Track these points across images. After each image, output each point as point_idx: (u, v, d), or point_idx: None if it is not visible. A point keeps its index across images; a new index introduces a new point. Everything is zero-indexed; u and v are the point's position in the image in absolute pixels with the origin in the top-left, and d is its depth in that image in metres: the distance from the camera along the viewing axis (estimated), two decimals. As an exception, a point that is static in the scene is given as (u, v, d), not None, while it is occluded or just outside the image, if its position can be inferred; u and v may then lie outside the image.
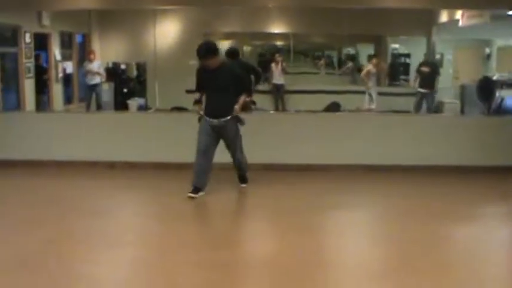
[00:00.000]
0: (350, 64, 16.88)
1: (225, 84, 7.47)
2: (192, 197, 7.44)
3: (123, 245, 5.90)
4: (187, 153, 9.34)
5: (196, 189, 7.53)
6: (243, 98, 7.62)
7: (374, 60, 14.53)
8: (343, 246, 6.12)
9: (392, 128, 9.65)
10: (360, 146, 9.39)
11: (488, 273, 5.31)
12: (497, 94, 13.35)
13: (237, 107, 7.55)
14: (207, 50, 7.41)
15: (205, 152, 7.60)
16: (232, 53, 10.43)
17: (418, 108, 13.46)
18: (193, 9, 13.28)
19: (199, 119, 7.71)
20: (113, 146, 9.60)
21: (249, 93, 7.96)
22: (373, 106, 13.96)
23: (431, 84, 13.41)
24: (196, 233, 6.48)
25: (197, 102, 7.81)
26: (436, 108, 14.07)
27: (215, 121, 7.54)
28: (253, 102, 9.60)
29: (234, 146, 7.74)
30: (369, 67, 14.45)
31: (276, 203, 7.58)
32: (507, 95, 13.18)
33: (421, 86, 13.52)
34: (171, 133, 9.51)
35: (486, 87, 13.83)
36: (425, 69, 13.51)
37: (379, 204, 7.69)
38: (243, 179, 8.19)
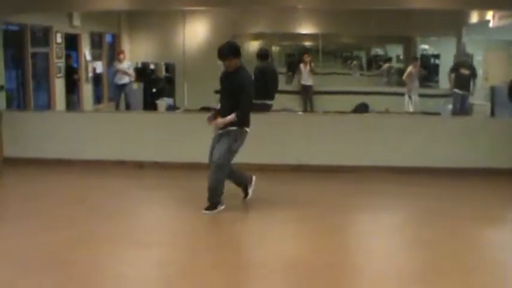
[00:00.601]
0: (386, 65, 16.75)
1: (232, 89, 7.12)
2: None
3: (150, 245, 5.94)
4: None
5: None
6: (232, 116, 7.00)
7: (415, 62, 14.39)
8: (370, 249, 6.09)
9: (420, 129, 9.61)
10: (388, 147, 9.35)
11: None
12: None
13: (220, 121, 7.10)
14: (229, 49, 7.13)
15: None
16: (261, 55, 10.44)
17: (456, 109, 13.31)
18: (221, 10, 13.31)
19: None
20: (141, 145, 9.67)
21: (242, 112, 7.03)
22: (411, 109, 13.88)
23: (468, 86, 13.25)
24: (224, 234, 6.50)
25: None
26: (466, 110, 13.94)
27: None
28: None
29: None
30: (410, 69, 14.32)
31: (304, 205, 7.56)
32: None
33: (459, 88, 13.33)
34: (199, 133, 9.50)
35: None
36: (464, 71, 13.32)
37: (407, 207, 7.66)
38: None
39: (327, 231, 6.54)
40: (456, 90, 13.27)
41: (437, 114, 13.25)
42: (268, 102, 10.41)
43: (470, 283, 5.02)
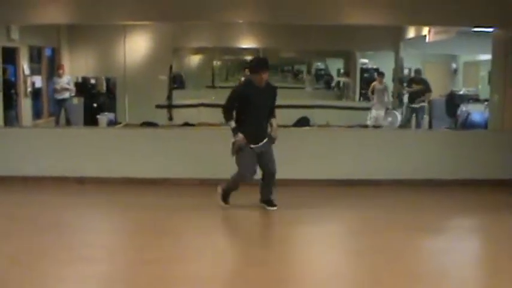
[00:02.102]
0: (345, 79, 16.91)
1: (269, 103, 7.51)
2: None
3: (89, 261, 5.85)
4: (157, 169, 9.41)
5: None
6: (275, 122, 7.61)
7: (379, 77, 14.65)
8: (312, 260, 6.15)
9: (361, 142, 9.76)
10: (329, 160, 9.46)
11: (453, 286, 5.39)
12: (463, 109, 13.57)
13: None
14: (267, 62, 7.43)
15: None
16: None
17: (408, 122, 13.72)
18: (162, 25, 13.30)
19: (240, 147, 7.42)
20: (82, 161, 9.56)
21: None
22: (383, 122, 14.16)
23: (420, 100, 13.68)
24: (164, 248, 6.47)
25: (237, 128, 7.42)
26: (403, 123, 14.25)
27: (260, 145, 7.50)
28: None
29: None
30: (374, 84, 14.60)
31: (243, 218, 7.60)
32: (473, 110, 13.40)
33: (411, 102, 13.75)
34: (141, 148, 9.52)
35: (453, 102, 14.06)
36: (416, 86, 13.75)
37: (348, 218, 7.77)
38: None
39: (265, 244, 6.58)
40: (411, 105, 13.66)
41: (379, 127, 13.52)
42: None
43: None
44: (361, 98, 16.27)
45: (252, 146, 7.39)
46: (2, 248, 6.20)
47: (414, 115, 13.82)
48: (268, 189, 7.75)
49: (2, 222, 7.30)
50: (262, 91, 7.36)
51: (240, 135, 7.29)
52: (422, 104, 13.62)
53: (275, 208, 7.71)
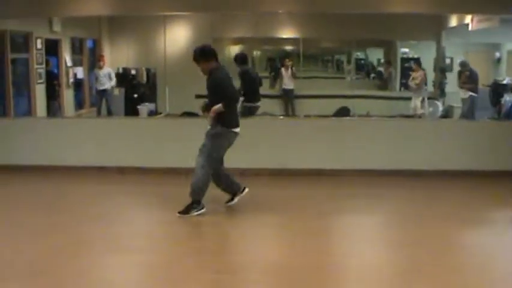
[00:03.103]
0: (391, 69, 16.73)
1: (210, 90, 7.26)
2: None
3: (133, 251, 5.93)
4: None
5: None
6: (219, 106, 7.06)
7: (415, 66, 14.48)
8: (352, 251, 6.13)
9: (402, 132, 9.67)
10: (369, 151, 9.40)
11: (497, 278, 5.31)
12: (507, 98, 13.31)
13: (213, 108, 7.09)
14: (200, 53, 7.15)
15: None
16: (238, 59, 10.52)
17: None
18: (202, 15, 13.32)
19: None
20: (123, 151, 9.65)
21: (227, 102, 7.11)
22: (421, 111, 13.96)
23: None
24: (206, 238, 6.50)
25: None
26: (446, 113, 14.05)
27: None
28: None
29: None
30: (416, 74, 14.45)
31: (285, 208, 7.59)
32: (517, 100, 13.15)
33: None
34: (181, 138, 9.55)
35: (496, 92, 13.80)
36: (462, 77, 13.36)
37: (389, 210, 7.70)
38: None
39: (310, 234, 6.57)
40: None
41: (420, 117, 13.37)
42: (254, 104, 10.58)
43: (450, 285, 5.06)
44: (402, 88, 16.10)
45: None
46: (47, 237, 6.30)
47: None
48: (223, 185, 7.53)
49: (46, 211, 7.43)
50: (207, 79, 7.29)
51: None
52: (470, 94, 13.13)
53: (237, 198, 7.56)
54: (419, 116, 13.61)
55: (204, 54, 7.14)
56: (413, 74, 14.33)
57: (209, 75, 7.19)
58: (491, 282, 5.21)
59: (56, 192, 8.54)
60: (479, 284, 5.14)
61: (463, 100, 13.11)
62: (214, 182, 7.26)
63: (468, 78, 13.06)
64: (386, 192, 8.58)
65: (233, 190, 7.47)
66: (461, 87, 13.16)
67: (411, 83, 14.34)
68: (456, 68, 14.54)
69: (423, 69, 14.44)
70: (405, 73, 16.14)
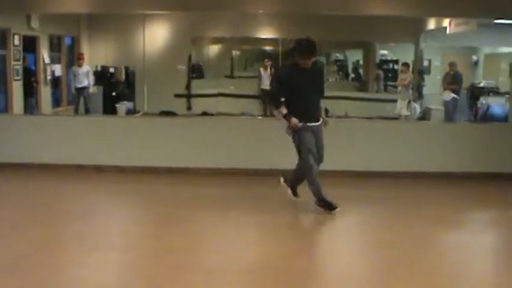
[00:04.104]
0: (379, 71, 16.80)
1: (318, 85, 7.28)
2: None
3: (110, 249, 5.90)
4: (175, 158, 9.44)
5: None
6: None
7: (405, 68, 14.59)
8: (330, 253, 6.16)
9: (380, 134, 9.71)
10: (348, 152, 9.42)
11: (473, 279, 5.36)
12: (483, 101, 13.46)
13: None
14: (315, 46, 7.11)
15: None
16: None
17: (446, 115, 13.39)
18: (182, 14, 13.31)
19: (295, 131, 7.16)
20: (100, 149, 9.61)
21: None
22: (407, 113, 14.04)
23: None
24: (181, 237, 6.49)
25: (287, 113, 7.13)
26: (423, 115, 14.16)
27: (314, 124, 7.25)
28: None
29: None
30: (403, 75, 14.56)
31: (262, 209, 7.59)
32: (493, 102, 13.29)
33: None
34: (159, 137, 9.54)
35: (473, 95, 13.95)
36: (448, 78, 13.40)
37: (366, 211, 7.72)
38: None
39: (288, 236, 6.58)
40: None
41: (395, 119, 13.45)
42: None
43: (425, 286, 5.10)
44: (379, 89, 16.25)
45: (309, 124, 7.18)
46: (24, 235, 6.25)
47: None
48: (299, 178, 7.52)
49: (23, 209, 7.36)
50: (308, 73, 7.12)
51: (294, 119, 7.06)
52: (453, 96, 13.16)
53: (296, 199, 7.63)
54: (406, 118, 13.70)
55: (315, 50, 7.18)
56: (402, 76, 14.43)
57: (312, 67, 7.19)
58: (465, 284, 5.25)
59: (32, 191, 8.48)
60: (454, 285, 5.18)
61: (445, 102, 13.17)
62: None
63: (453, 78, 13.15)
64: (364, 193, 8.60)
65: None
66: (446, 89, 13.22)
67: (399, 84, 14.43)
68: (434, 70, 14.69)
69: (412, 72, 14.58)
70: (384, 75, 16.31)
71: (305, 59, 7.03)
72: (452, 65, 13.40)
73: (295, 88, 7.07)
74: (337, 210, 7.10)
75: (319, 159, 7.29)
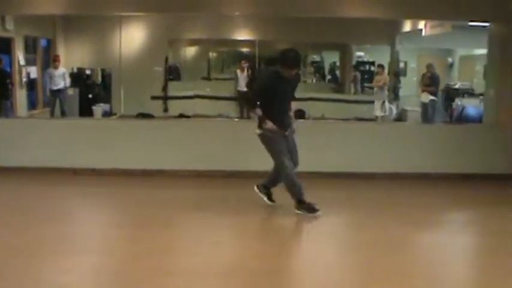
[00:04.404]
0: (356, 73, 16.82)
1: (292, 92, 7.47)
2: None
3: (85, 252, 5.86)
4: (152, 160, 9.41)
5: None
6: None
7: (379, 69, 14.68)
8: (308, 254, 6.17)
9: (356, 135, 9.77)
10: (324, 153, 9.46)
11: (450, 280, 5.41)
12: (458, 103, 13.57)
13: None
14: (300, 57, 7.44)
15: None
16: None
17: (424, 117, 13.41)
18: (158, 16, 13.26)
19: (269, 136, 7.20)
20: (76, 152, 9.55)
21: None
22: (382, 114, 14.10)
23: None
24: (161, 240, 6.47)
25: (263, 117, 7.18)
26: (399, 116, 14.26)
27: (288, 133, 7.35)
28: None
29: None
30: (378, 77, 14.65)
31: (239, 210, 7.60)
32: (468, 104, 13.41)
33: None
34: (135, 139, 9.52)
35: (449, 96, 14.06)
36: (426, 80, 13.44)
37: (342, 212, 7.76)
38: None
39: (264, 237, 6.60)
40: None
41: (371, 120, 13.53)
42: None
43: (401, 286, 5.14)
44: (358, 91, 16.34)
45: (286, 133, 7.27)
46: (3, 239, 6.19)
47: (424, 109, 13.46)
48: (276, 180, 7.55)
49: (1, 213, 7.29)
50: (288, 81, 7.22)
51: (270, 123, 7.11)
52: (431, 98, 13.19)
53: (271, 204, 7.62)
54: (382, 119, 13.77)
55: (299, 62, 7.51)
56: (377, 77, 14.52)
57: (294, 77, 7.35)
58: (440, 284, 5.29)
59: (8, 193, 8.41)
60: (432, 283, 5.22)
61: (424, 104, 13.21)
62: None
63: (430, 80, 13.22)
64: (339, 194, 8.64)
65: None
66: (423, 90, 13.29)
67: (374, 86, 14.52)
68: (410, 72, 14.79)
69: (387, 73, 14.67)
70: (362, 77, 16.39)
71: (290, 70, 7.10)
72: (429, 66, 13.49)
73: (275, 96, 7.14)
74: (318, 213, 7.10)
75: (294, 163, 7.31)
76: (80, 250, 5.95)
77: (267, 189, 7.61)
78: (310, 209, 7.11)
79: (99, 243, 6.31)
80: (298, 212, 7.14)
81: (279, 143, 7.19)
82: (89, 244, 6.20)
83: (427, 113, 13.10)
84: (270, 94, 7.13)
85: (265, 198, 7.56)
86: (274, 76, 7.23)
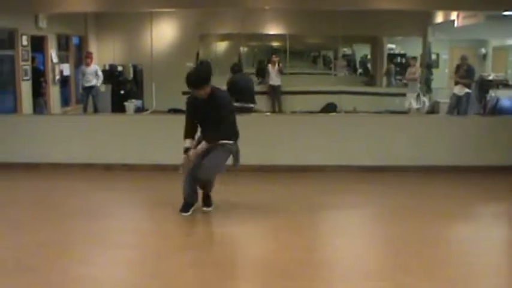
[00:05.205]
0: (391, 66, 16.73)
1: (213, 112, 6.80)
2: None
3: (120, 247, 5.93)
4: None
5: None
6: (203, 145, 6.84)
7: (413, 62, 14.56)
8: (338, 246, 6.15)
9: (388, 128, 9.70)
10: (355, 146, 9.43)
11: (480, 271, 5.36)
12: (492, 94, 13.39)
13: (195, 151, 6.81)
14: (199, 79, 6.83)
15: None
16: (234, 69, 10.92)
17: (455, 109, 13.15)
18: (189, 11, 13.33)
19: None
20: (109, 148, 9.63)
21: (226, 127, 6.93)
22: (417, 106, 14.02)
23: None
24: (192, 234, 6.51)
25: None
26: (432, 108, 14.12)
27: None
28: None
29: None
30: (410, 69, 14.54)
31: (271, 204, 7.61)
32: (502, 95, 13.22)
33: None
34: (167, 135, 9.53)
35: (482, 88, 13.88)
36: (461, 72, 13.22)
37: (375, 205, 7.72)
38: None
39: (296, 230, 6.59)
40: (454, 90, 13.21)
41: (403, 113, 13.43)
42: (248, 105, 10.90)
43: (434, 277, 5.11)
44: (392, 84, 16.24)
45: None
46: (33, 233, 6.28)
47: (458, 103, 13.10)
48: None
49: (33, 208, 7.41)
50: (203, 101, 6.87)
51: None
52: (466, 90, 13.00)
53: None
54: (416, 111, 13.66)
55: (204, 79, 6.88)
56: (411, 69, 14.39)
57: (210, 96, 6.88)
58: (474, 275, 5.25)
59: (42, 189, 8.52)
60: (463, 277, 5.18)
61: (458, 97, 12.98)
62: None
63: (466, 72, 13.01)
64: (372, 187, 8.60)
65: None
66: (458, 82, 13.05)
67: (407, 78, 14.40)
68: (442, 64, 14.64)
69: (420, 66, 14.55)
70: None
71: (194, 90, 6.89)
72: (464, 58, 13.30)
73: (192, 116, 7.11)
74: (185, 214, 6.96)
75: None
76: (113, 244, 6.02)
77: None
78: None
79: (132, 237, 6.35)
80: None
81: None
82: (122, 238, 6.25)
83: (460, 106, 12.92)
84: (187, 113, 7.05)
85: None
86: (191, 97, 7.07)
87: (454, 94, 13.06)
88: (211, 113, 6.81)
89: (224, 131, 6.91)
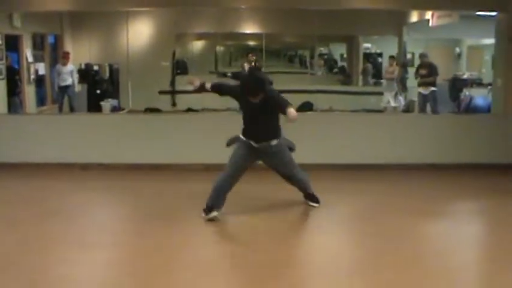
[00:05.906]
0: (368, 65, 16.79)
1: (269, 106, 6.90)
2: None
3: (96, 246, 5.92)
4: (161, 154, 9.43)
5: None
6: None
7: (390, 60, 14.74)
8: (316, 243, 6.20)
9: (364, 127, 9.77)
10: (332, 145, 9.48)
11: (454, 267, 5.44)
12: (466, 93, 13.53)
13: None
14: (258, 86, 6.73)
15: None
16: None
17: (423, 108, 13.29)
18: (165, 11, 13.29)
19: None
20: (86, 147, 9.60)
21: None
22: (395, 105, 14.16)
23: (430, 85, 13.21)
24: (170, 234, 6.50)
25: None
26: (407, 107, 14.23)
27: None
28: None
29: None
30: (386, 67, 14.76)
31: (252, 204, 7.62)
32: (476, 94, 13.37)
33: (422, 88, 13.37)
34: (144, 134, 9.55)
35: (456, 86, 14.02)
36: (422, 71, 13.32)
37: (352, 203, 7.78)
38: None
39: (275, 229, 6.61)
40: (419, 90, 13.32)
41: (379, 111, 13.51)
42: None
43: (412, 272, 5.17)
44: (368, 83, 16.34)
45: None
46: (11, 233, 6.28)
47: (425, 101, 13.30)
48: (301, 186, 7.49)
49: (9, 208, 7.37)
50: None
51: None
52: (432, 89, 13.13)
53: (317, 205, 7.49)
54: (394, 110, 13.76)
55: (262, 86, 6.79)
56: (389, 68, 14.49)
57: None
58: (449, 270, 5.33)
59: (18, 189, 8.47)
60: (438, 272, 5.25)
61: (423, 96, 13.12)
62: None
63: (428, 70, 13.11)
64: (348, 186, 8.67)
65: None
66: (422, 84, 13.17)
67: (386, 77, 14.49)
68: (417, 63, 14.73)
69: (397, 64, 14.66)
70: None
71: None
72: (423, 56, 13.42)
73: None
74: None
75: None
76: (90, 244, 6.00)
77: (310, 197, 7.54)
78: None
79: (107, 237, 6.35)
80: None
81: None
82: (99, 238, 6.24)
83: (426, 105, 13.05)
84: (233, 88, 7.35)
85: (314, 204, 7.49)
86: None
87: (420, 93, 13.22)
88: (260, 114, 6.97)
89: (273, 131, 7.14)
